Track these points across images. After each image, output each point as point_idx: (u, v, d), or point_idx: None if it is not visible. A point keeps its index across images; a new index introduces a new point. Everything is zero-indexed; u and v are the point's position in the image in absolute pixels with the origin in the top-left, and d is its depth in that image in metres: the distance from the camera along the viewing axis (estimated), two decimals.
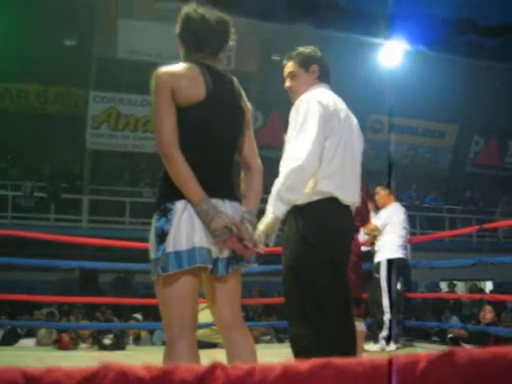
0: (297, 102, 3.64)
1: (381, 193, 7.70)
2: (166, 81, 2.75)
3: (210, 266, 2.71)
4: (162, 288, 2.71)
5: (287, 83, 3.92)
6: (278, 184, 3.41)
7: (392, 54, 14.60)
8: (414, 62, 14.76)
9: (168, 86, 2.73)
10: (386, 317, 7.20)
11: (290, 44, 4.18)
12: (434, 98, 18.54)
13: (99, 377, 0.83)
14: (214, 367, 0.84)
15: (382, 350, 7.16)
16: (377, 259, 7.40)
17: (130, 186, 19.03)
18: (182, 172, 2.67)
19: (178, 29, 3.00)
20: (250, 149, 3.04)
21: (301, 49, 3.93)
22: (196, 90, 2.78)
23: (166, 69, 2.80)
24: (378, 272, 7.32)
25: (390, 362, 0.85)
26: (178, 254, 2.62)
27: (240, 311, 2.97)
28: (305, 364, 0.85)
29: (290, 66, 3.90)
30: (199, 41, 2.93)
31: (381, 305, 7.24)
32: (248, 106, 3.07)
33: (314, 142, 3.43)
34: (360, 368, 0.85)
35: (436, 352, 0.92)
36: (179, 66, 2.85)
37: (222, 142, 2.88)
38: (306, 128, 3.48)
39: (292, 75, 3.88)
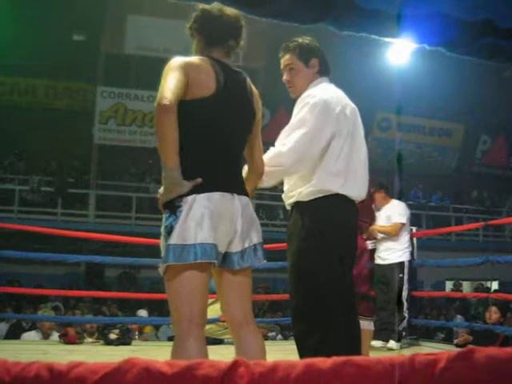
0: (301, 98, 3.60)
1: (375, 195, 7.57)
2: (183, 66, 2.75)
3: (215, 261, 2.70)
4: (170, 284, 2.72)
5: (286, 77, 3.78)
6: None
7: (400, 52, 14.56)
8: (422, 60, 14.71)
9: (184, 70, 2.74)
10: (406, 316, 7.25)
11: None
12: (441, 97, 18.51)
13: (123, 372, 0.83)
14: (238, 364, 0.85)
15: (401, 347, 7.19)
16: (397, 259, 7.34)
17: (136, 182, 19.04)
18: (169, 132, 2.64)
19: (194, 22, 3.01)
20: (257, 150, 3.10)
21: (299, 40, 3.77)
22: (207, 84, 2.79)
23: (182, 58, 2.81)
24: (402, 272, 7.30)
25: (411, 360, 0.85)
26: (180, 247, 2.63)
27: (250, 308, 2.97)
28: (326, 362, 0.85)
29: (288, 59, 3.75)
30: (219, 34, 2.96)
31: (397, 303, 7.24)
32: (260, 105, 3.08)
33: (306, 137, 3.42)
34: (380, 366, 0.86)
35: (453, 351, 0.92)
36: (194, 58, 2.86)
37: (231, 137, 2.89)
38: (304, 124, 3.45)
39: (290, 68, 3.74)
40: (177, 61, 2.78)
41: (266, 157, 3.38)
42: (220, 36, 2.96)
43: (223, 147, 2.85)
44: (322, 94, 3.56)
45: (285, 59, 3.78)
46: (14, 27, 14.19)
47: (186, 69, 2.75)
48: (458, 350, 0.96)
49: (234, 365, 0.86)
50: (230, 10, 3.00)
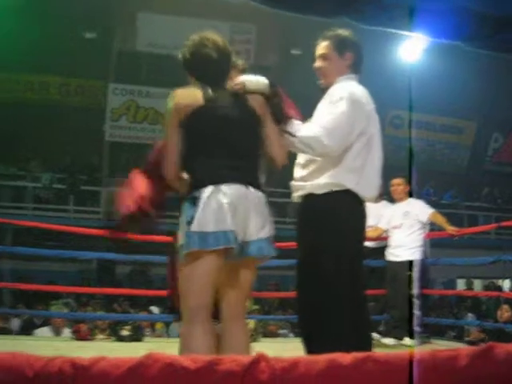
0: (335, 90, 3.61)
1: (401, 186, 7.59)
2: (176, 109, 3.03)
3: (234, 246, 2.85)
4: (186, 269, 2.90)
5: (318, 63, 3.79)
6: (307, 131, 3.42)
7: (412, 49, 14.49)
8: (433, 57, 14.64)
9: (177, 113, 3.02)
10: (418, 314, 7.18)
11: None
12: (452, 94, 18.41)
13: (146, 367, 0.84)
14: (259, 359, 0.85)
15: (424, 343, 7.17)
16: (409, 256, 7.29)
17: None
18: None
19: (185, 64, 3.23)
20: (270, 145, 3.21)
21: (339, 31, 3.79)
22: (194, 99, 3.02)
23: (175, 97, 3.06)
24: (414, 270, 7.23)
25: (431, 356, 0.86)
26: (203, 235, 2.81)
27: (244, 303, 3.13)
28: (347, 357, 0.86)
29: (323, 47, 3.76)
30: (204, 76, 3.16)
31: (406, 301, 7.18)
32: (260, 102, 3.19)
33: (342, 130, 3.43)
34: (401, 362, 0.86)
35: (472, 347, 0.93)
36: (185, 91, 3.11)
37: (234, 136, 3.06)
38: (341, 117, 3.46)
39: (324, 56, 3.75)
40: (170, 105, 3.05)
41: (303, 131, 3.39)
42: (205, 77, 3.16)
43: (231, 146, 3.04)
44: (356, 91, 3.58)
45: (320, 46, 3.79)
46: (27, 26, 14.23)
47: (178, 109, 3.02)
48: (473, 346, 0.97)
49: (256, 360, 0.87)
50: (216, 46, 3.16)
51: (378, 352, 0.90)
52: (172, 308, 3.61)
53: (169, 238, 3.54)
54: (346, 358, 0.87)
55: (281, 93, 3.33)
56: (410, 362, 0.87)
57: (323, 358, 0.87)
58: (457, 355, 0.89)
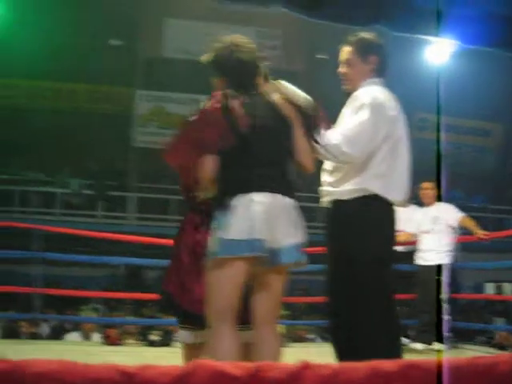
0: (356, 96, 3.59)
1: (431, 190, 7.59)
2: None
3: (263, 255, 2.86)
4: (214, 274, 2.91)
5: (341, 69, 3.76)
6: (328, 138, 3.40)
7: (438, 51, 14.40)
8: (459, 60, 14.53)
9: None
10: (447, 318, 7.12)
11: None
12: (478, 97, 18.26)
13: (193, 374, 0.85)
14: (304, 366, 0.86)
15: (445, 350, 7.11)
16: (440, 260, 7.25)
17: (176, 184, 19.06)
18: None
19: (214, 67, 3.23)
20: (300, 153, 3.19)
21: (362, 34, 3.75)
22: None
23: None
24: (444, 275, 7.19)
25: (472, 363, 0.86)
26: (230, 242, 2.83)
27: (276, 309, 3.11)
28: (390, 364, 0.86)
29: (347, 52, 3.73)
30: (233, 80, 3.14)
31: (435, 306, 7.13)
32: (289, 109, 3.18)
33: (364, 137, 3.42)
34: (443, 369, 0.86)
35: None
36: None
37: (267, 149, 3.06)
38: (362, 124, 3.45)
39: (347, 62, 3.72)
40: None
41: (326, 138, 3.38)
42: (236, 81, 3.14)
43: (261, 154, 3.03)
44: (379, 95, 3.55)
45: (344, 52, 3.76)
46: (55, 34, 14.38)
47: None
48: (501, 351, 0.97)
49: (301, 367, 0.88)
50: (243, 49, 3.16)
51: (421, 358, 0.90)
52: (177, 311, 3.58)
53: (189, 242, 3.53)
54: (389, 364, 0.88)
55: (319, 110, 3.32)
56: (453, 368, 0.87)
57: (367, 365, 0.88)
58: (499, 361, 0.89)
